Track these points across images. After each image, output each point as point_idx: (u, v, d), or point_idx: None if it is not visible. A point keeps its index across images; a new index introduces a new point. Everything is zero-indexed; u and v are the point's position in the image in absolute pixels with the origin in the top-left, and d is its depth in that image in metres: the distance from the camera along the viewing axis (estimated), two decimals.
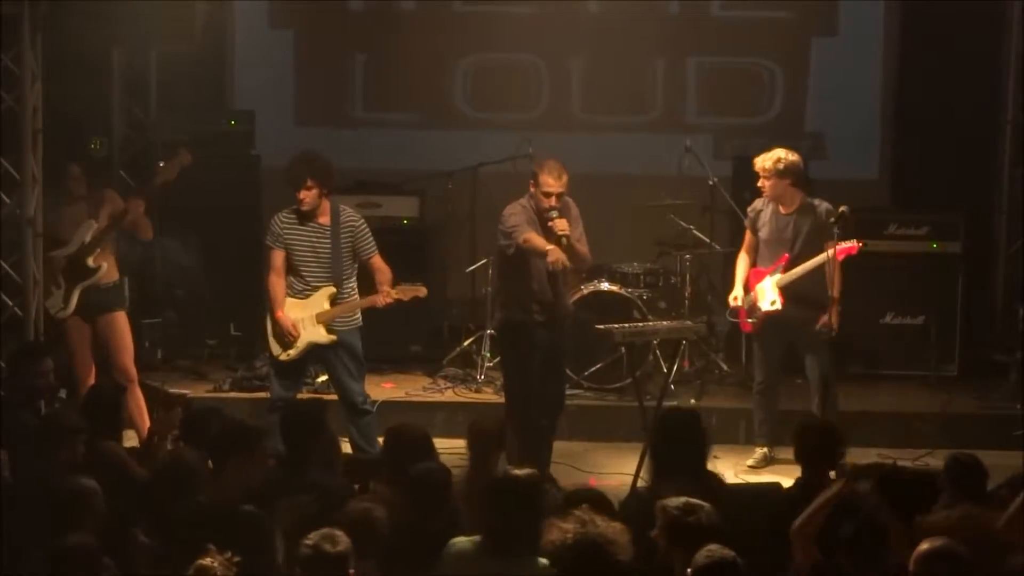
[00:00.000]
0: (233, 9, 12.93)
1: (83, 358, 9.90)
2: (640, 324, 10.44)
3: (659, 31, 12.90)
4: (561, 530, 5.72)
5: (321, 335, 9.43)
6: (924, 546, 5.83)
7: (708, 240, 11.76)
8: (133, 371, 9.86)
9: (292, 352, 9.45)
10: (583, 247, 9.38)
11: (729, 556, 5.76)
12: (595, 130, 12.96)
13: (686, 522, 6.05)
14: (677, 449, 7.15)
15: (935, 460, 10.01)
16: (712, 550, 5.77)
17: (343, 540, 5.77)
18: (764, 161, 9.94)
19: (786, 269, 9.87)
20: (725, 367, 11.75)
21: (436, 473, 6.95)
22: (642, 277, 11.65)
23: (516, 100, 13.07)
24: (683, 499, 6.19)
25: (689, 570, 5.75)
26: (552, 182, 9.21)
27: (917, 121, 12.59)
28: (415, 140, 12.98)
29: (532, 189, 9.31)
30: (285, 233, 9.43)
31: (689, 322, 10.84)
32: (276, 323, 9.42)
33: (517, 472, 6.38)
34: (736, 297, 10.12)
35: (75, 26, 10.50)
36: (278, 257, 9.46)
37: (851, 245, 9.77)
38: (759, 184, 9.98)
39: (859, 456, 8.05)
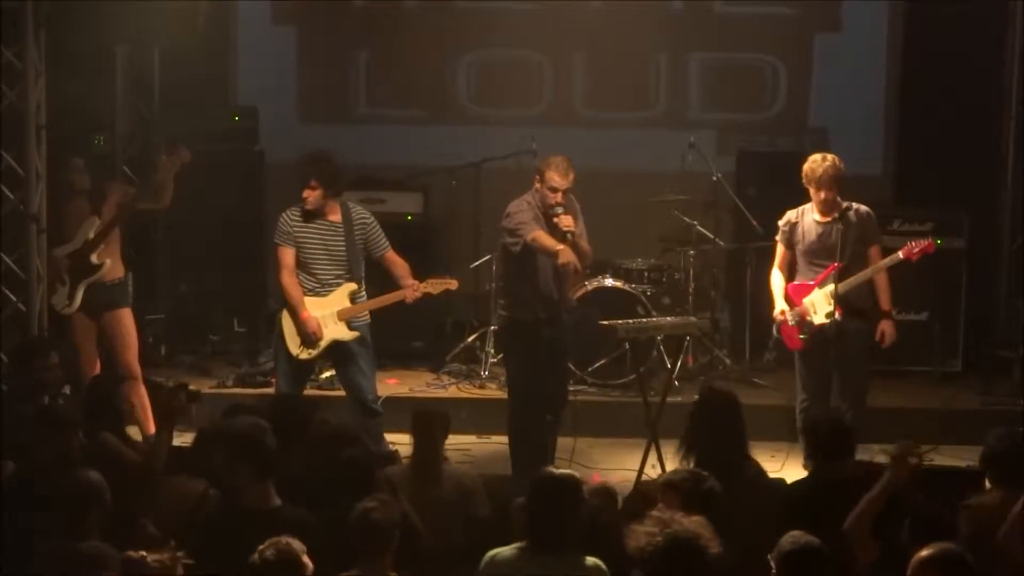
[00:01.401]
0: (236, 6, 12.96)
1: (88, 355, 9.90)
2: (644, 320, 10.42)
3: (662, 27, 12.89)
4: (647, 534, 5.62)
5: (344, 332, 9.37)
6: (924, 552, 5.79)
7: (712, 236, 11.75)
8: (137, 368, 9.86)
9: (314, 351, 9.38)
10: (585, 243, 9.37)
11: (815, 542, 5.72)
12: (598, 126, 12.96)
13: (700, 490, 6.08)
14: (720, 434, 7.17)
15: (939, 456, 10.02)
16: (796, 536, 5.75)
17: (296, 548, 5.71)
18: (825, 169, 9.32)
19: (839, 278, 9.31)
20: (729, 363, 11.76)
21: (361, 459, 6.98)
22: (646, 273, 11.64)
23: (519, 96, 13.08)
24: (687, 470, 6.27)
25: (770, 557, 5.73)
26: (559, 179, 9.16)
27: (920, 117, 12.59)
28: (418, 136, 12.98)
29: (537, 185, 9.26)
30: (295, 231, 9.35)
31: (693, 318, 10.84)
32: (302, 323, 9.29)
33: (557, 472, 6.40)
34: (783, 311, 9.54)
35: (78, 22, 10.50)
36: (289, 255, 9.34)
37: (928, 242, 9.49)
38: (822, 197, 9.34)
39: (861, 452, 8.03)
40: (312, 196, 9.32)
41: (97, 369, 9.82)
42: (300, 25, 13.15)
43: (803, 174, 9.48)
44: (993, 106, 12.30)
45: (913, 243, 9.54)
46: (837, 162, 9.41)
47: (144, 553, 5.68)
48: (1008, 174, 12.19)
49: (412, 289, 9.40)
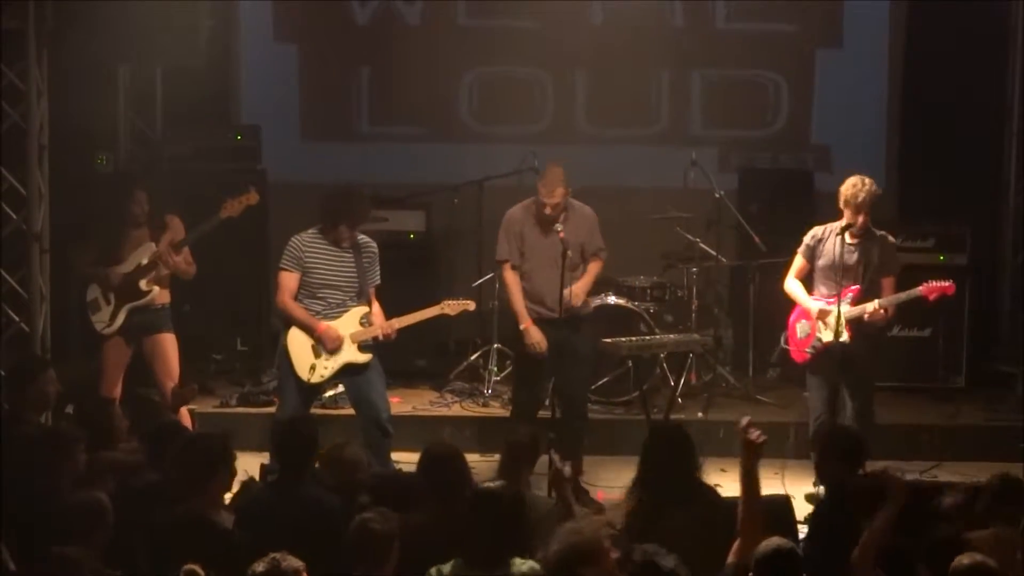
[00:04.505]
0: (238, 24, 12.95)
1: (111, 378, 9.86)
2: (647, 337, 10.44)
3: (664, 44, 12.89)
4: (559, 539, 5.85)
5: (357, 355, 9.35)
6: (965, 560, 5.80)
7: (714, 253, 11.73)
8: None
9: (326, 373, 9.33)
10: (594, 258, 9.77)
11: (787, 545, 5.88)
12: (600, 143, 12.96)
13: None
14: (668, 464, 7.16)
15: (943, 472, 10.02)
16: (772, 540, 5.89)
17: (292, 564, 5.72)
18: (867, 194, 9.24)
19: (855, 301, 9.30)
20: (732, 380, 11.74)
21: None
22: (649, 290, 11.62)
23: (521, 113, 13.07)
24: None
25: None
26: (544, 193, 9.55)
27: (922, 132, 12.59)
28: (420, 154, 12.98)
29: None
30: (307, 256, 9.31)
31: (696, 335, 10.84)
32: (320, 336, 9.23)
33: (492, 487, 6.48)
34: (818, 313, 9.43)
35: (81, 41, 10.50)
36: (294, 281, 9.29)
37: (948, 284, 9.43)
38: (860, 221, 9.27)
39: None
40: (353, 237, 9.37)
41: (118, 394, 9.78)
42: (302, 43, 13.15)
43: (842, 197, 9.37)
44: (995, 122, 12.32)
45: (934, 283, 9.45)
46: (874, 187, 9.34)
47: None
48: (1010, 190, 12.22)
49: (387, 327, 9.43)
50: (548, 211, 9.57)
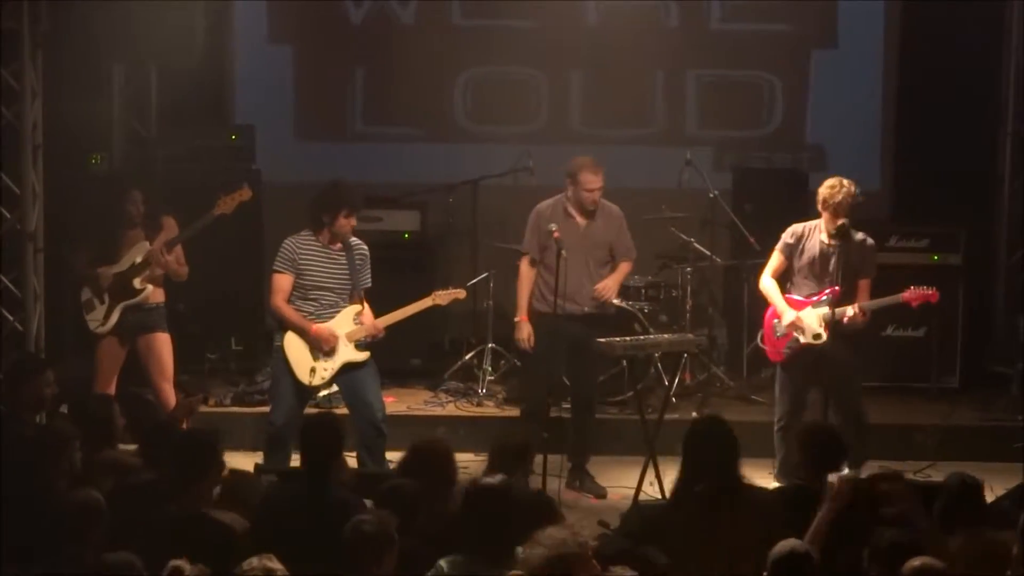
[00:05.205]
0: (233, 24, 12.94)
1: (106, 378, 9.84)
2: (641, 337, 10.42)
3: (659, 44, 12.88)
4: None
5: (355, 354, 9.33)
6: (915, 563, 5.81)
7: (709, 253, 11.74)
8: (170, 394, 9.76)
9: (327, 375, 9.29)
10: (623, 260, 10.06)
11: (802, 548, 5.90)
12: (595, 143, 12.88)
13: None
14: (709, 455, 7.15)
15: (937, 472, 10.02)
16: (788, 542, 5.91)
17: (275, 568, 5.73)
18: (844, 196, 9.28)
19: (835, 303, 9.32)
20: (726, 380, 11.74)
21: None
22: (643, 290, 11.62)
23: (516, 113, 13.07)
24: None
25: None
26: (593, 178, 9.72)
27: (917, 133, 12.60)
28: (415, 154, 12.98)
29: (572, 188, 9.77)
30: (300, 258, 9.28)
31: (690, 335, 10.83)
32: (314, 337, 9.19)
33: (489, 481, 6.48)
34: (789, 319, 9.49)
35: (76, 42, 10.51)
36: (288, 283, 9.25)
37: (932, 292, 9.52)
38: (838, 223, 9.30)
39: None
40: (351, 226, 9.34)
41: (112, 393, 9.74)
42: (297, 44, 13.14)
43: (820, 199, 9.43)
44: (990, 122, 12.31)
45: (918, 290, 9.53)
46: (854, 189, 9.36)
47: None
48: (1005, 190, 12.20)
49: (375, 328, 9.41)
50: (588, 195, 9.75)
